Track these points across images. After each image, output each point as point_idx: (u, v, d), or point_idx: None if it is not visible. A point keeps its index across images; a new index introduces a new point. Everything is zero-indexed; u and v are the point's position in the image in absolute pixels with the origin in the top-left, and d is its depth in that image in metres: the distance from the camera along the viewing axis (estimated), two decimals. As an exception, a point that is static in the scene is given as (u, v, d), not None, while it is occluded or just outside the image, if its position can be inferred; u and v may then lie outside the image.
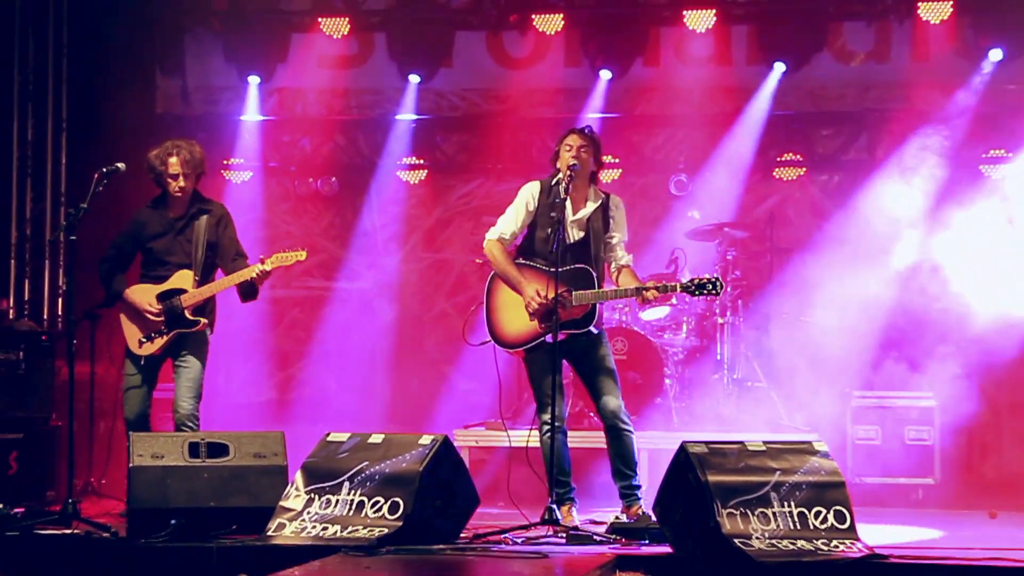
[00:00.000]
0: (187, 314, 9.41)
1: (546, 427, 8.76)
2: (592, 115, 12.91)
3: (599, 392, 8.92)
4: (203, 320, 9.45)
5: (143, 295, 9.52)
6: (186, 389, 9.51)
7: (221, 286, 9.47)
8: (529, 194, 9.01)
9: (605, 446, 9.04)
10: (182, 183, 9.48)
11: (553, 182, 8.85)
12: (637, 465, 8.97)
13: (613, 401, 8.88)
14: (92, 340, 10.28)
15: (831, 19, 13.14)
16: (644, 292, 8.70)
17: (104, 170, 9.20)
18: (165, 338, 9.47)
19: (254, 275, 9.33)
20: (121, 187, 9.65)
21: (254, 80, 13.43)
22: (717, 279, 8.72)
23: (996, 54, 12.59)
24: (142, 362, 9.55)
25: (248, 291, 9.53)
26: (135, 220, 9.76)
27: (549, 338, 8.64)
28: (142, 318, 9.51)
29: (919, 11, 12.53)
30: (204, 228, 9.56)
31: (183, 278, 9.48)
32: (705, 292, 8.73)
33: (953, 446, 12.26)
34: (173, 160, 9.45)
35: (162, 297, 9.46)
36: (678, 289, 8.82)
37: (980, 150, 13.08)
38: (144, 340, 9.54)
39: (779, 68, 12.99)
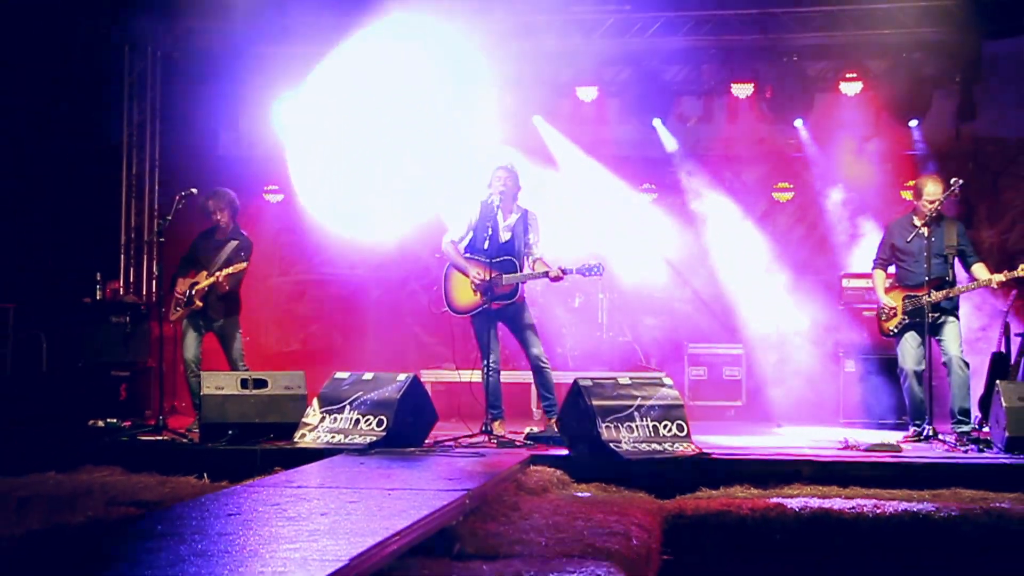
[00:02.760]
0: (195, 301, 9.54)
1: (486, 369, 8.76)
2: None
3: (527, 344, 8.91)
4: (198, 303, 9.54)
5: (181, 285, 9.73)
6: (235, 355, 9.77)
7: (207, 283, 9.52)
8: (472, 209, 8.99)
9: (525, 383, 9.05)
10: (220, 218, 9.80)
11: (489, 200, 8.83)
12: (553, 390, 8.95)
13: (536, 348, 8.89)
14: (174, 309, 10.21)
15: (674, 94, 13.17)
16: (549, 274, 8.70)
17: (182, 193, 9.45)
18: (181, 310, 9.67)
19: (211, 282, 9.48)
20: (192, 206, 9.60)
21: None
22: (600, 265, 8.75)
23: (799, 122, 12.69)
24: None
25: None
26: (193, 242, 9.99)
27: (491, 306, 8.68)
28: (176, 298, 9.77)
29: (732, 90, 12.58)
30: (229, 250, 9.66)
31: (201, 276, 9.60)
32: (591, 274, 8.76)
33: (754, 380, 12.34)
34: (211, 204, 9.80)
35: (190, 287, 9.62)
36: (574, 272, 8.80)
37: (772, 182, 13.13)
38: (173, 311, 9.75)
39: (658, 122, 13.05)
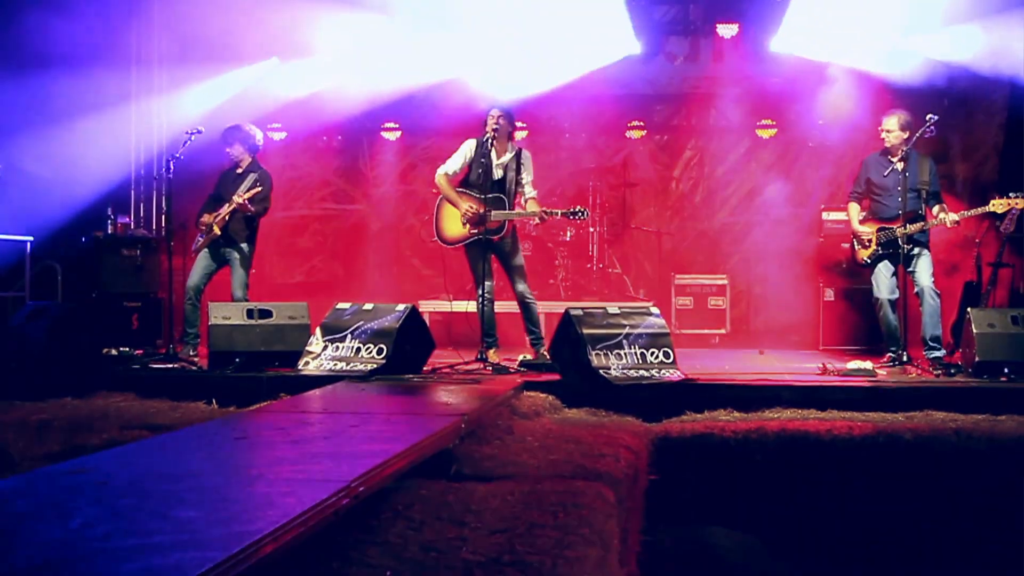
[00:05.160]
0: (214, 228, 9.36)
1: (480, 298, 8.76)
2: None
3: (512, 280, 8.93)
4: (217, 231, 9.36)
5: (205, 219, 9.54)
6: (238, 284, 9.51)
7: (227, 210, 9.35)
8: (468, 146, 8.96)
9: (519, 313, 9.05)
10: (231, 151, 9.66)
11: (484, 139, 8.81)
12: (539, 324, 8.98)
13: (521, 285, 8.89)
14: (184, 243, 10.16)
15: (661, 33, 13.04)
16: (536, 215, 8.72)
17: (189, 132, 9.28)
18: (203, 240, 9.50)
19: (233, 207, 9.32)
20: (200, 143, 9.50)
21: (281, 65, 13.15)
22: (584, 209, 8.74)
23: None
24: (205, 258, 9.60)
25: (243, 215, 9.46)
26: (218, 180, 9.80)
27: (478, 238, 8.68)
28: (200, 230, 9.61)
29: (717, 29, 12.44)
30: (248, 182, 9.46)
31: (224, 208, 9.41)
32: (576, 217, 8.73)
33: (738, 309, 12.39)
34: (226, 136, 9.70)
35: (213, 218, 9.46)
36: (559, 215, 8.80)
37: (756, 119, 13.04)
38: (196, 243, 9.61)
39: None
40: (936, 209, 8.72)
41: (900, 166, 8.72)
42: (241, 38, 12.22)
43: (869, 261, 8.94)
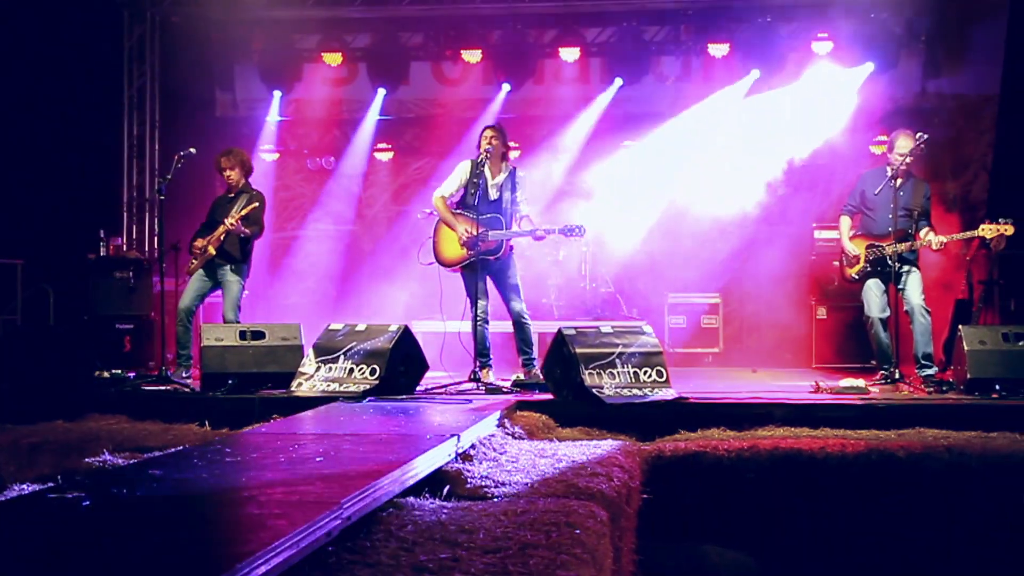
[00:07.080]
0: (209, 248, 9.36)
1: (475, 318, 8.76)
2: (502, 116, 12.86)
3: (508, 299, 8.91)
4: (211, 251, 9.36)
5: (199, 242, 9.53)
6: (230, 305, 9.50)
7: (221, 232, 9.34)
8: (463, 168, 8.97)
9: (512, 333, 9.04)
10: (231, 176, 9.65)
11: (478, 160, 8.82)
12: (533, 344, 8.98)
13: (517, 305, 8.88)
14: (176, 264, 10.15)
15: (652, 54, 13.14)
16: (534, 233, 8.73)
17: (181, 153, 9.34)
18: (197, 262, 9.52)
19: (225, 229, 9.31)
20: (192, 165, 9.51)
21: (277, 93, 13.38)
22: (581, 227, 8.75)
23: (755, 74, 12.66)
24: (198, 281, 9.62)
25: (236, 236, 9.43)
26: (211, 206, 9.83)
27: (475, 259, 8.67)
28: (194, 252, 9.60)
29: (708, 50, 12.54)
30: (240, 204, 9.45)
31: (218, 230, 9.37)
32: (574, 234, 8.74)
33: (730, 327, 12.38)
34: (223, 161, 9.68)
35: (207, 240, 9.44)
36: (556, 231, 8.80)
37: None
38: (190, 265, 9.60)
39: (618, 82, 13.06)
40: (924, 231, 8.73)
41: (895, 183, 8.72)
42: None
43: (857, 277, 8.96)
